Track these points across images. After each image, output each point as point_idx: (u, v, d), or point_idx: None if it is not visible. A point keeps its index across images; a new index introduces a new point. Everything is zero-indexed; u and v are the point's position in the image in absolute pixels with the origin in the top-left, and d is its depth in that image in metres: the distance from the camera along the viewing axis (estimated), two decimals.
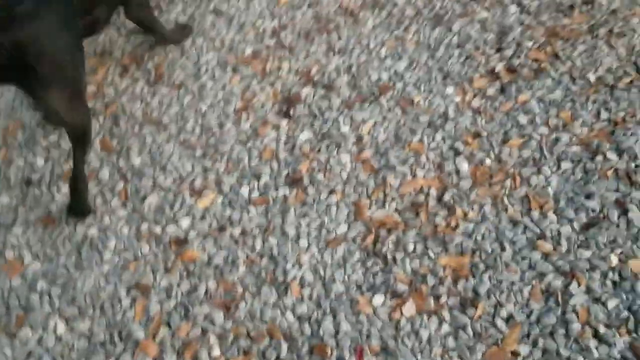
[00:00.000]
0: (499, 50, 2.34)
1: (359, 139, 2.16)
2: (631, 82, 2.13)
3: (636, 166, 1.88)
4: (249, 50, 2.54)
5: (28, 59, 1.69)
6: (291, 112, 2.29)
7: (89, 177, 2.16)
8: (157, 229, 2.04)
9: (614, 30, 2.32)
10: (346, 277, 1.83)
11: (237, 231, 2.00)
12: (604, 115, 2.04)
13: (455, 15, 2.51)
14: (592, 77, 2.17)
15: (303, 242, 1.92)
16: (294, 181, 2.09)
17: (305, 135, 2.21)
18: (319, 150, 2.15)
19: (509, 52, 2.31)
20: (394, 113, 2.21)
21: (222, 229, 2.01)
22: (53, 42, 1.76)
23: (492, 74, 2.26)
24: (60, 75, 1.80)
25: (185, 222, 2.05)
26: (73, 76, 1.87)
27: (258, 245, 1.95)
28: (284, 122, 2.26)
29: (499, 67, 2.27)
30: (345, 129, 2.20)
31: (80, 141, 1.99)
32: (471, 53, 2.35)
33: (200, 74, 2.48)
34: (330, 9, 2.65)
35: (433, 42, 2.42)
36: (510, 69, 2.26)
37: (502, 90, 2.20)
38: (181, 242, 2.00)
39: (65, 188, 2.16)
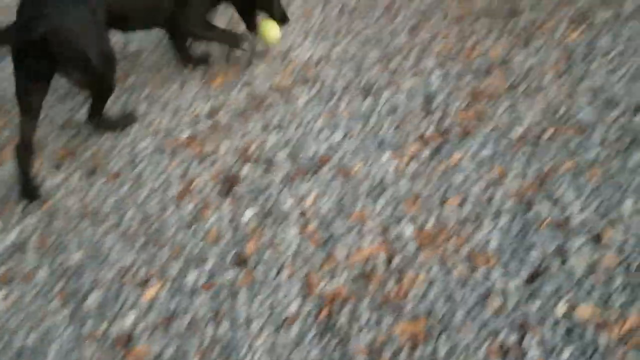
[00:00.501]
0: (427, 114, 2.44)
1: (303, 212, 2.17)
2: (553, 134, 2.26)
3: (569, 215, 1.97)
4: (185, 134, 2.55)
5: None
6: (233, 191, 2.28)
7: (26, 279, 2.06)
8: (101, 329, 1.95)
9: (531, 87, 2.47)
10: (303, 356, 1.78)
11: (186, 321, 1.93)
12: (533, 168, 2.15)
13: (383, 85, 2.62)
14: (517, 132, 2.29)
15: (255, 325, 1.87)
16: (241, 262, 2.06)
17: (249, 214, 2.20)
18: (264, 228, 2.14)
19: (437, 116, 2.42)
20: (335, 184, 2.25)
21: (170, 319, 1.94)
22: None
23: (424, 138, 2.35)
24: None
25: (130, 317, 1.96)
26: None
27: (209, 333, 1.88)
28: (226, 203, 2.25)
29: (430, 130, 2.37)
30: (288, 203, 2.21)
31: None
32: (402, 120, 2.44)
33: (137, 162, 2.46)
34: (263, 87, 2.72)
35: (365, 111, 2.51)
36: (440, 132, 2.35)
37: (435, 152, 2.28)
38: (127, 339, 1.91)
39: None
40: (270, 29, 2.63)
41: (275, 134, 2.48)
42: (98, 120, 2.54)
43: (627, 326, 1.67)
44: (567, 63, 2.55)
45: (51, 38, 2.11)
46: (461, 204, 2.08)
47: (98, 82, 2.35)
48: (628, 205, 1.96)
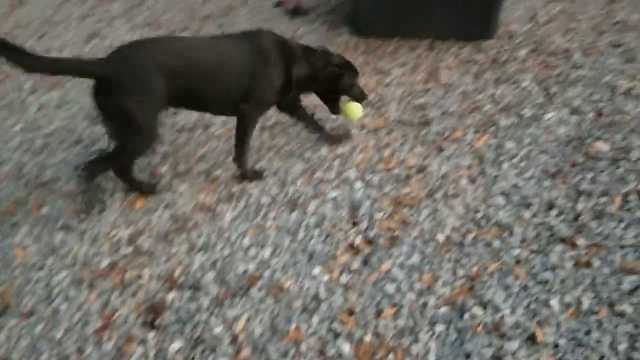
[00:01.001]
0: (354, 224, 2.46)
1: (234, 338, 2.06)
2: (476, 236, 2.33)
3: (501, 317, 1.98)
4: (105, 263, 2.41)
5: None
6: (158, 321, 2.15)
7: None
8: None
9: (448, 192, 2.57)
10: None
11: None
12: (461, 272, 2.18)
13: (308, 197, 2.64)
14: (441, 237, 2.34)
15: None
16: None
17: (176, 345, 2.06)
18: (193, 359, 2.01)
19: (363, 225, 2.45)
20: (266, 303, 2.17)
21: None
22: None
23: (353, 248, 2.35)
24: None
25: None
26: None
27: None
28: (151, 335, 2.10)
29: (358, 240, 2.38)
30: (218, 329, 2.09)
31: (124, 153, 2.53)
32: (330, 231, 2.45)
33: (52, 297, 2.28)
34: (187, 207, 2.66)
35: (292, 225, 2.50)
36: (368, 241, 2.37)
37: (365, 262, 2.28)
38: None
39: None
40: (354, 108, 2.80)
41: (201, 256, 2.40)
42: (119, 169, 2.65)
43: None
44: (479, 167, 2.70)
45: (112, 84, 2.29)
46: (396, 315, 2.05)
47: (126, 143, 2.45)
48: (555, 302, 2.01)
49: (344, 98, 2.78)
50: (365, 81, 3.40)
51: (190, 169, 2.91)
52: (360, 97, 2.78)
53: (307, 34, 4.12)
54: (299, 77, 2.61)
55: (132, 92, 2.28)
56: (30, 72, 2.23)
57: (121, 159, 2.57)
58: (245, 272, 2.31)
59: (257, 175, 2.81)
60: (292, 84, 2.61)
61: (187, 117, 3.34)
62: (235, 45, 2.51)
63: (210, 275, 2.31)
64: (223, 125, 3.20)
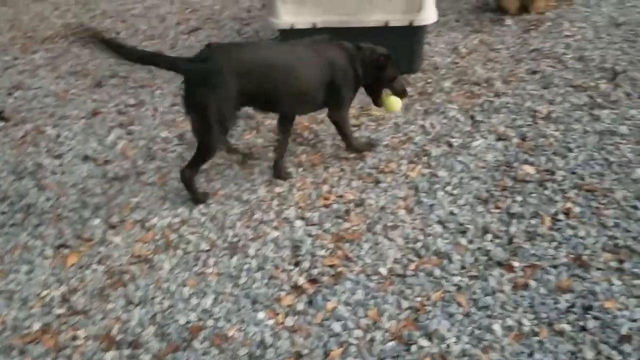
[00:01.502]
0: (297, 264, 2.44)
1: None
2: (417, 267, 2.35)
3: (447, 347, 2.00)
4: (36, 326, 2.27)
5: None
6: None
7: None
8: None
9: (387, 224, 2.60)
10: None
11: None
12: (405, 304, 2.19)
13: (248, 239, 2.60)
14: (384, 271, 2.35)
15: None
16: None
17: None
18: None
19: (306, 264, 2.43)
20: (211, 355, 2.10)
21: None
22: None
23: (297, 289, 2.32)
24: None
25: None
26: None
27: None
28: None
29: (301, 280, 2.35)
30: None
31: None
32: (272, 273, 2.41)
33: None
34: (122, 260, 2.57)
35: (234, 270, 2.45)
36: (312, 280, 2.35)
37: (310, 302, 2.25)
38: None
39: None
40: (394, 101, 3.04)
41: (139, 310, 2.31)
42: (188, 174, 2.82)
43: None
44: (415, 197, 2.75)
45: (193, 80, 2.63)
46: (344, 354, 2.03)
47: (204, 138, 2.72)
48: (497, 327, 2.05)
49: (386, 91, 3.04)
50: (299, 118, 3.43)
51: (124, 219, 2.82)
52: (400, 91, 3.05)
53: None
54: (361, 72, 2.94)
55: (210, 88, 2.58)
56: (128, 61, 2.71)
57: (196, 159, 2.79)
58: (187, 323, 2.23)
59: (370, 145, 3.16)
60: (359, 79, 2.96)
61: (119, 165, 3.25)
62: (305, 52, 2.86)
63: (151, 330, 2.21)
64: (156, 172, 3.13)
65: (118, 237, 2.70)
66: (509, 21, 4.52)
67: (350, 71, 2.90)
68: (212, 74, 2.58)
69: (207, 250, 2.57)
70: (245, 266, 2.46)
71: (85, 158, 3.38)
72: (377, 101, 3.11)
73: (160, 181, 3.06)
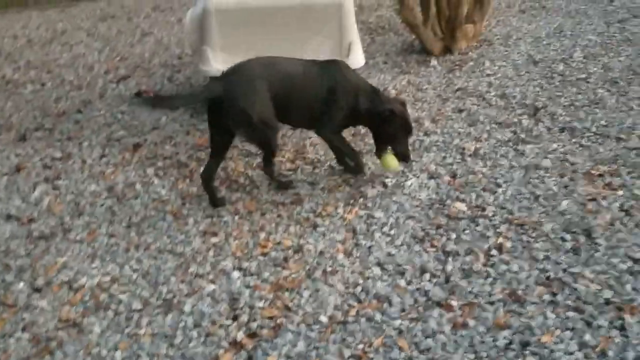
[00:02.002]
0: (235, 318, 2.36)
1: None
2: (357, 313, 2.32)
3: None
4: None
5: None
6: None
7: None
8: None
9: (327, 269, 2.58)
10: None
11: None
12: (347, 352, 2.15)
13: (183, 295, 2.51)
14: (324, 319, 2.31)
15: None
16: None
17: None
18: None
19: (244, 318, 2.35)
20: None
21: None
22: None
23: (236, 345, 2.24)
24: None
25: None
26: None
27: None
28: None
29: (240, 335, 2.27)
30: None
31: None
32: (209, 329, 2.32)
33: None
34: (48, 325, 2.41)
35: (169, 329, 2.34)
36: (251, 335, 2.27)
37: (250, 359, 2.17)
38: None
39: None
40: (390, 161, 3.03)
41: None
42: (270, 170, 3.13)
43: None
44: (353, 240, 2.74)
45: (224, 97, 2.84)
46: None
47: (260, 139, 3.00)
48: None
49: (389, 148, 3.06)
50: (234, 164, 3.40)
51: (50, 281, 2.67)
52: (399, 153, 3.04)
53: (169, 124, 4.07)
54: (362, 110, 3.01)
55: (246, 94, 2.82)
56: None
57: (267, 156, 3.06)
58: None
59: (358, 169, 3.22)
60: (357, 115, 3.04)
61: (45, 222, 3.09)
62: (315, 71, 3.05)
63: None
64: (85, 228, 3.00)
65: (44, 301, 2.55)
66: (434, 62, 4.69)
67: (347, 98, 3.00)
68: (249, 79, 2.87)
69: (139, 310, 2.45)
70: (181, 324, 2.36)
71: (8, 217, 3.21)
72: (377, 152, 3.12)
73: (89, 238, 2.93)
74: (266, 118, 2.90)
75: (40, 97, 4.84)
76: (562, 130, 3.47)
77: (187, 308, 2.44)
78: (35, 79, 5.31)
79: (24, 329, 2.42)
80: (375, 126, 3.06)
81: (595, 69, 4.22)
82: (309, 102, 3.03)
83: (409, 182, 3.13)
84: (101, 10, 7.76)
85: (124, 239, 2.89)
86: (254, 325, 2.31)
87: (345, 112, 3.03)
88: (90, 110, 4.46)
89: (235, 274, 2.60)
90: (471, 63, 4.59)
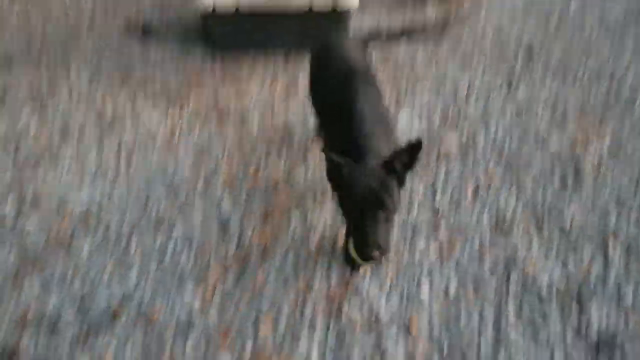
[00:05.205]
0: (224, 240, 2.38)
1: None
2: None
3: (377, 312, 2.01)
4: None
5: None
6: None
7: None
8: None
9: (317, 195, 2.59)
10: None
11: None
12: (336, 273, 2.18)
13: (173, 218, 2.52)
14: (314, 241, 2.33)
15: None
16: None
17: None
18: None
19: (234, 241, 2.38)
20: (137, 332, 2.01)
21: None
22: None
23: (225, 264, 2.26)
24: None
25: None
26: None
27: None
28: None
29: (230, 255, 2.30)
30: None
31: None
32: (199, 249, 2.34)
33: None
34: (38, 243, 2.42)
35: (159, 248, 2.36)
36: (241, 255, 2.30)
37: (240, 276, 2.21)
38: None
39: None
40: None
41: (57, 293, 2.18)
42: None
43: None
44: None
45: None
46: (275, 324, 2.00)
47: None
48: (425, 290, 2.09)
49: None
50: (225, 92, 3.37)
51: (38, 204, 2.65)
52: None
53: (160, 58, 4.00)
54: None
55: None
56: None
57: None
58: (109, 303, 2.13)
59: None
60: None
61: (32, 147, 3.06)
62: None
63: (70, 312, 2.10)
64: (73, 155, 2.97)
65: (31, 223, 2.54)
66: (429, 6, 4.63)
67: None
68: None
69: (130, 230, 2.46)
70: (171, 243, 2.38)
71: None
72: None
73: (77, 164, 2.90)
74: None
75: (28, 24, 4.70)
76: (555, 72, 3.47)
77: (177, 229, 2.45)
78: (21, 7, 5.15)
79: (12, 244, 2.41)
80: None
81: (591, 14, 4.22)
82: None
83: (399, 116, 3.12)
84: None
85: (114, 163, 2.87)
86: (244, 246, 2.34)
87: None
88: (78, 39, 4.35)
89: (226, 199, 2.61)
90: (467, 5, 4.54)
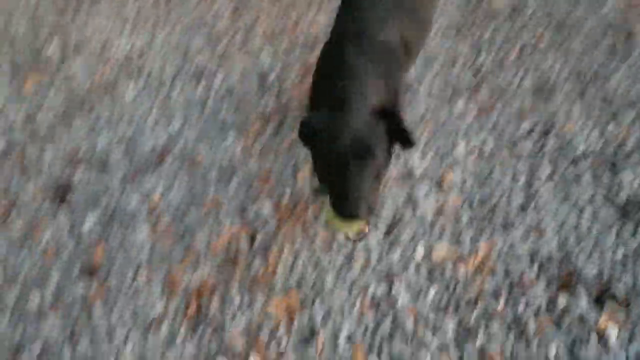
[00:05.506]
0: (264, 92, 2.41)
1: (152, 209, 2.02)
2: None
3: (411, 166, 2.07)
4: (0, 146, 2.24)
5: None
6: (67, 200, 2.06)
7: None
8: None
9: None
10: (178, 353, 1.67)
11: (36, 349, 1.70)
12: None
13: (214, 69, 2.53)
14: None
15: (120, 334, 1.71)
16: (89, 272, 1.86)
17: (90, 221, 2.00)
18: (110, 233, 1.96)
19: (274, 93, 2.40)
20: (182, 174, 2.13)
21: (16, 353, 1.70)
22: None
23: (265, 116, 2.32)
24: None
25: None
26: None
27: (66, 355, 1.68)
28: (61, 213, 2.02)
29: (269, 107, 2.34)
30: (133, 203, 2.04)
31: None
32: (240, 100, 2.38)
33: None
34: (83, 85, 2.49)
35: (200, 97, 2.41)
36: (280, 108, 2.34)
37: (279, 127, 2.26)
38: None
39: None
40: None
41: (105, 134, 2.28)
42: None
43: (479, 257, 1.80)
44: None
45: None
46: (313, 175, 2.09)
47: None
48: (460, 149, 2.12)
49: None
50: None
51: (80, 47, 2.68)
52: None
53: None
54: None
55: None
56: None
57: None
58: (155, 146, 2.23)
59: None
60: None
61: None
62: None
63: (118, 152, 2.21)
64: (113, 0, 2.94)
65: (77, 63, 2.59)
66: None
67: None
68: None
69: (171, 78, 2.50)
70: (212, 93, 2.42)
71: None
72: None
73: (119, 6, 2.88)
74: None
75: None
76: None
77: (218, 80, 2.48)
78: None
79: (59, 86, 2.49)
80: None
81: None
82: None
83: None
84: None
85: (153, 12, 2.84)
86: (283, 99, 2.37)
87: None
88: None
89: (265, 52, 2.60)
90: None
